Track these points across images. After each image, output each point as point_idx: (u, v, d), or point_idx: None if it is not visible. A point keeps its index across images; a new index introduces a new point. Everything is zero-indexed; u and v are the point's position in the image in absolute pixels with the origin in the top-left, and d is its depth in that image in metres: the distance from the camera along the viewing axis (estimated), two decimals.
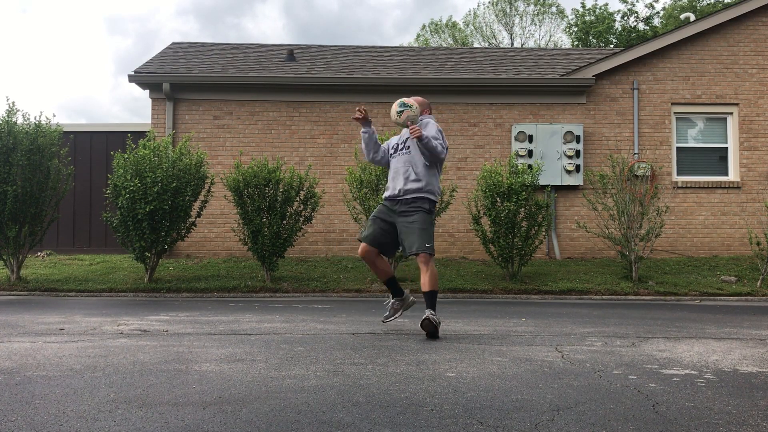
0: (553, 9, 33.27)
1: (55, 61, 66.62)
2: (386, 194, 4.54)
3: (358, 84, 10.83)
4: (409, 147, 4.47)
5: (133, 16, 63.98)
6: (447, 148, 4.46)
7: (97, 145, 11.29)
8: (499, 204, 8.24)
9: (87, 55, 66.93)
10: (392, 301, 4.71)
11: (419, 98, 4.68)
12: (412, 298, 4.77)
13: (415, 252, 4.32)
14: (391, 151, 4.61)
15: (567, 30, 30.85)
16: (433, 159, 4.45)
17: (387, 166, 4.71)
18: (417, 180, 4.38)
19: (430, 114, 4.74)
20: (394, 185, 4.47)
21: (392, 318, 4.72)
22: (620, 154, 9.41)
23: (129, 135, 9.23)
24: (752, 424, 2.32)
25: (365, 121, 4.58)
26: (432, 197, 4.45)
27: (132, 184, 7.73)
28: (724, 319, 5.67)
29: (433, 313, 4.24)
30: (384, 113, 10.85)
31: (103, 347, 3.79)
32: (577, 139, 10.72)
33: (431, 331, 4.19)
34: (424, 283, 4.33)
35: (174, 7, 65.45)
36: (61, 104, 61.75)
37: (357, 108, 4.57)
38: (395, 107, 4.48)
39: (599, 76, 10.92)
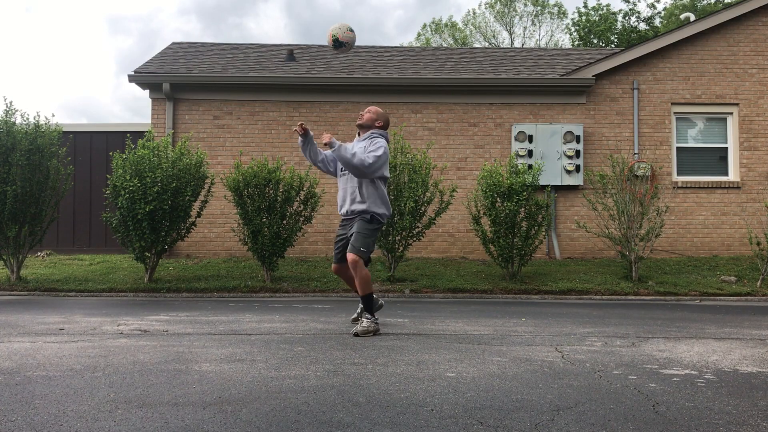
0: (555, 10, 33.29)
1: (57, 60, 66.70)
2: (340, 212, 4.78)
3: (358, 84, 10.83)
4: None
5: (135, 15, 64.05)
6: (377, 164, 4.47)
7: (97, 145, 11.29)
8: (499, 204, 8.23)
9: (89, 54, 66.99)
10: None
11: (386, 113, 4.79)
12: (381, 301, 4.89)
13: (348, 251, 4.48)
14: (339, 169, 4.74)
15: (568, 30, 30.87)
16: (358, 174, 4.50)
17: (329, 173, 4.89)
18: (362, 202, 4.56)
19: (383, 130, 4.75)
20: (343, 206, 4.68)
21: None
22: (620, 154, 9.41)
23: (128, 135, 9.24)
24: (752, 424, 2.32)
25: (304, 134, 4.71)
26: (375, 214, 4.58)
27: (131, 184, 7.73)
28: (724, 319, 5.67)
29: (368, 317, 4.41)
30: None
31: (103, 347, 3.79)
32: (577, 139, 10.71)
33: (358, 334, 4.34)
34: (357, 287, 4.52)
35: (176, 7, 65.49)
36: (63, 103, 61.82)
37: (298, 125, 4.67)
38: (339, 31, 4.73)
39: (599, 76, 10.92)
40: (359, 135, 4.76)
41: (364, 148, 4.57)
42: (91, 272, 8.86)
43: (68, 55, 68.12)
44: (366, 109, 4.79)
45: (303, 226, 8.42)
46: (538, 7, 33.23)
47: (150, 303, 6.90)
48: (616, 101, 11.04)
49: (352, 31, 4.78)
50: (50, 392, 2.67)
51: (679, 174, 11.03)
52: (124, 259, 9.72)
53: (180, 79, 10.63)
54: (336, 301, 7.19)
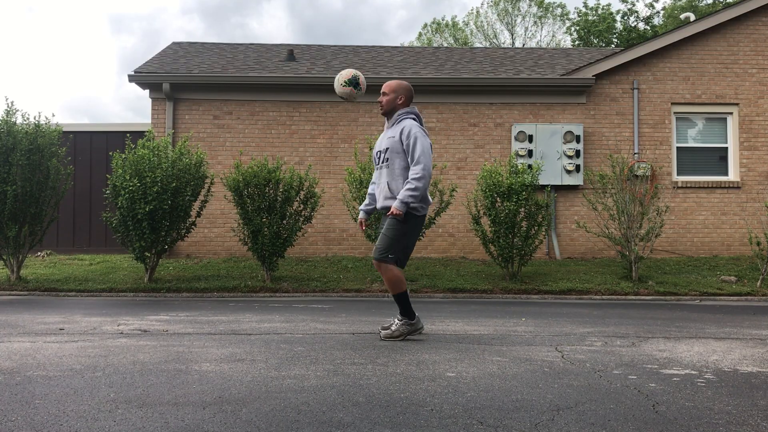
0: (558, 11, 33.30)
1: (60, 59, 66.76)
2: (377, 206, 4.41)
3: None
4: (388, 159, 4.20)
5: (138, 15, 64.11)
6: (426, 164, 4.08)
7: (97, 145, 11.29)
8: (499, 204, 8.23)
9: (92, 54, 67.07)
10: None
11: (402, 83, 4.33)
12: (420, 324, 4.32)
13: (373, 256, 4.23)
14: (376, 158, 4.36)
15: (568, 30, 30.87)
16: (427, 183, 4.15)
17: None
18: (392, 198, 4.18)
19: (408, 107, 4.31)
20: (376, 200, 4.34)
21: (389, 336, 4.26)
22: (620, 154, 9.41)
23: (128, 135, 9.23)
24: (752, 424, 2.32)
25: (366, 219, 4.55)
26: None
27: (131, 184, 7.73)
28: (724, 319, 5.67)
29: (400, 318, 4.17)
30: None
31: (103, 347, 3.79)
32: (577, 139, 10.71)
33: (385, 336, 4.18)
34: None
35: (178, 7, 65.55)
36: (65, 103, 61.88)
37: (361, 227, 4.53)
38: (344, 78, 4.27)
39: (599, 76, 10.92)
40: (387, 121, 4.33)
41: (396, 140, 4.15)
42: (91, 272, 8.86)
43: (71, 55, 68.21)
44: (382, 90, 4.29)
45: (303, 226, 8.42)
46: (542, 10, 33.26)
47: (150, 303, 6.90)
48: (616, 101, 11.04)
49: (348, 85, 4.29)
50: (50, 392, 2.67)
51: (679, 174, 11.03)
52: (124, 259, 9.71)
53: (180, 79, 10.62)
54: (336, 301, 7.19)
